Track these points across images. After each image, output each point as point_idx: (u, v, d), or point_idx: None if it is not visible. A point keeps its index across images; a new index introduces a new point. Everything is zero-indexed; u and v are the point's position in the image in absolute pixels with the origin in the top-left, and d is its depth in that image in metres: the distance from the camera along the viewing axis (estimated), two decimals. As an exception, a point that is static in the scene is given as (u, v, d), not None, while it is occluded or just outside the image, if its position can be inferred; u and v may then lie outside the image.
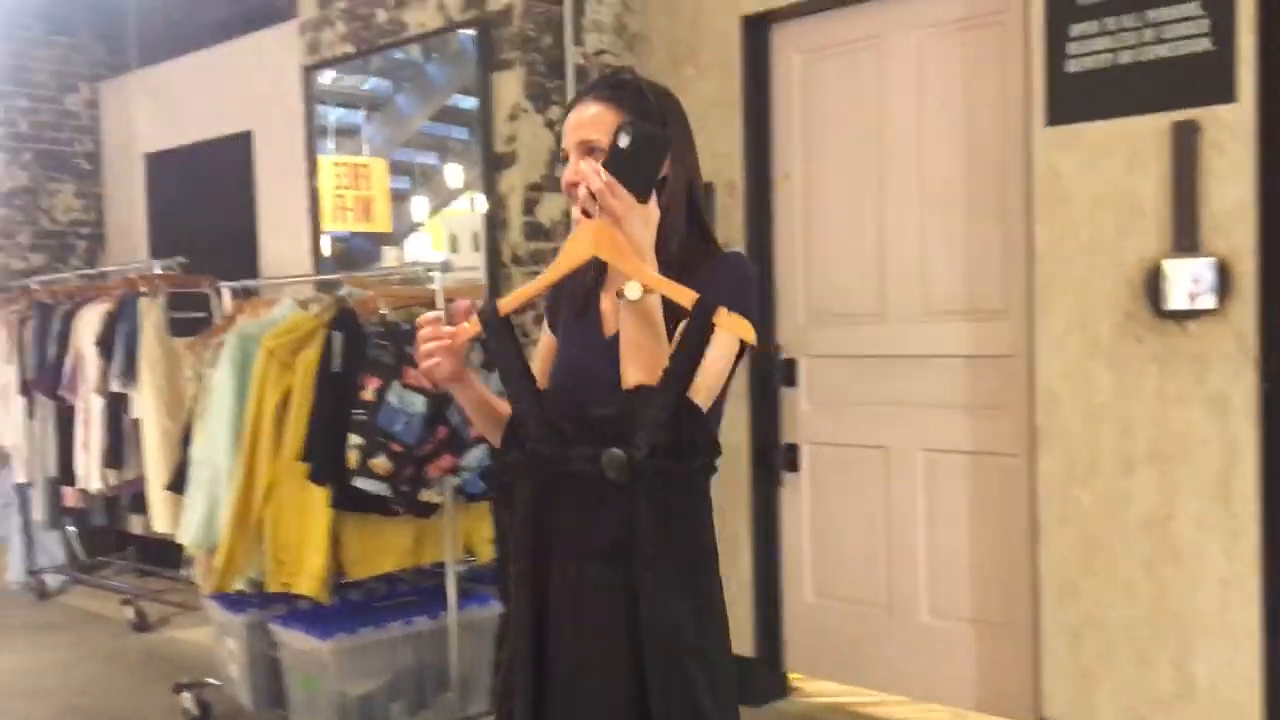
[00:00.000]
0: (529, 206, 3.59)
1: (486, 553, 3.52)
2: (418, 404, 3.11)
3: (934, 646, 3.37)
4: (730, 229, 3.63)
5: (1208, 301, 2.71)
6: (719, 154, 3.64)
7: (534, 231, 3.59)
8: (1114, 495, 2.89)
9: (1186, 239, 2.75)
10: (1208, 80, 2.71)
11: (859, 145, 3.49)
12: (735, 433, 3.65)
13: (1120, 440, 2.88)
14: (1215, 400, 2.73)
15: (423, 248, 4.49)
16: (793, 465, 3.66)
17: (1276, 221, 2.68)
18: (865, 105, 3.46)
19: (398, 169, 4.59)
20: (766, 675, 3.68)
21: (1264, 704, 2.69)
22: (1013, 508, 3.18)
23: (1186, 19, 2.74)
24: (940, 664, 3.35)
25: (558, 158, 3.60)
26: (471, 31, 3.72)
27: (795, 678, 3.75)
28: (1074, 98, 2.91)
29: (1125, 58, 2.83)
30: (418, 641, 3.38)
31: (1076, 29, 2.89)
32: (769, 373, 3.65)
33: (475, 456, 3.22)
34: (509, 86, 3.55)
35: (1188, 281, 2.73)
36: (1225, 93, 2.69)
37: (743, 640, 3.66)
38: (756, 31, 3.62)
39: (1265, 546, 2.69)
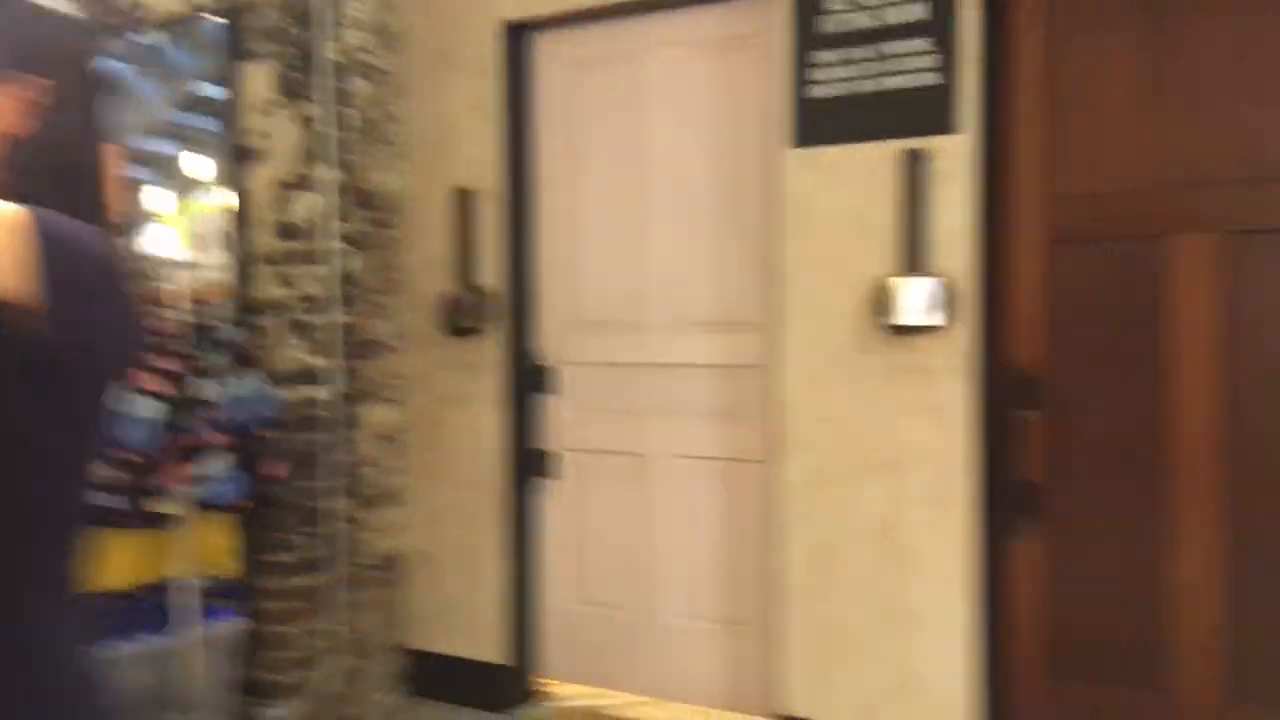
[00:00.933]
0: (281, 204, 3.45)
1: (227, 567, 3.36)
2: (148, 410, 2.94)
3: (684, 648, 3.46)
4: (490, 235, 3.61)
5: (933, 319, 2.91)
6: (474, 158, 3.62)
7: (287, 231, 3.46)
8: (847, 501, 3.05)
9: (915, 260, 2.93)
10: (935, 112, 2.91)
11: (620, 157, 3.54)
12: (492, 439, 3.63)
13: (854, 448, 3.04)
14: (937, 411, 2.93)
15: (167, 242, 4.24)
16: (553, 472, 3.67)
17: (992, 246, 2.90)
18: (626, 118, 3.52)
19: (139, 158, 4.31)
20: (518, 682, 3.67)
21: (978, 694, 2.91)
22: (760, 513, 3.31)
23: (918, 53, 2.92)
24: (689, 665, 3.44)
25: (311, 154, 3.49)
26: (220, 19, 3.54)
27: (548, 684, 3.77)
28: (817, 121, 3.06)
29: (864, 86, 2.99)
30: (150, 660, 3.19)
31: (820, 56, 3.04)
32: (529, 380, 3.66)
33: (216, 466, 3.07)
34: (259, 79, 3.40)
35: (915, 299, 2.91)
36: (950, 124, 2.89)
37: (493, 648, 3.64)
38: (517, 39, 3.62)
39: (978, 546, 2.90)
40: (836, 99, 3.03)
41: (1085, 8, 2.83)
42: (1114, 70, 2.84)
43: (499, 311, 3.62)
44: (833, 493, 3.07)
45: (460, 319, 3.64)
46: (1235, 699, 2.73)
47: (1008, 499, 2.93)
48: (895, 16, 2.94)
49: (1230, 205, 2.81)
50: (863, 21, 2.98)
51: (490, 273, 3.63)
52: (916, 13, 2.91)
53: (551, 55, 3.63)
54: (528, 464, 3.67)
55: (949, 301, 2.89)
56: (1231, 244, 2.70)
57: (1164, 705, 2.81)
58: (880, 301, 2.98)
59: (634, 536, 3.55)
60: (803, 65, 3.07)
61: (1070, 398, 2.91)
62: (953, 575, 2.92)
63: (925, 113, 2.92)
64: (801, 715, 3.12)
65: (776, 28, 3.13)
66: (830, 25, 3.03)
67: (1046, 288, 2.91)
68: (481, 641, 3.67)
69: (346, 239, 3.61)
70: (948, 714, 2.92)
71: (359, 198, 3.66)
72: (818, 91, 3.05)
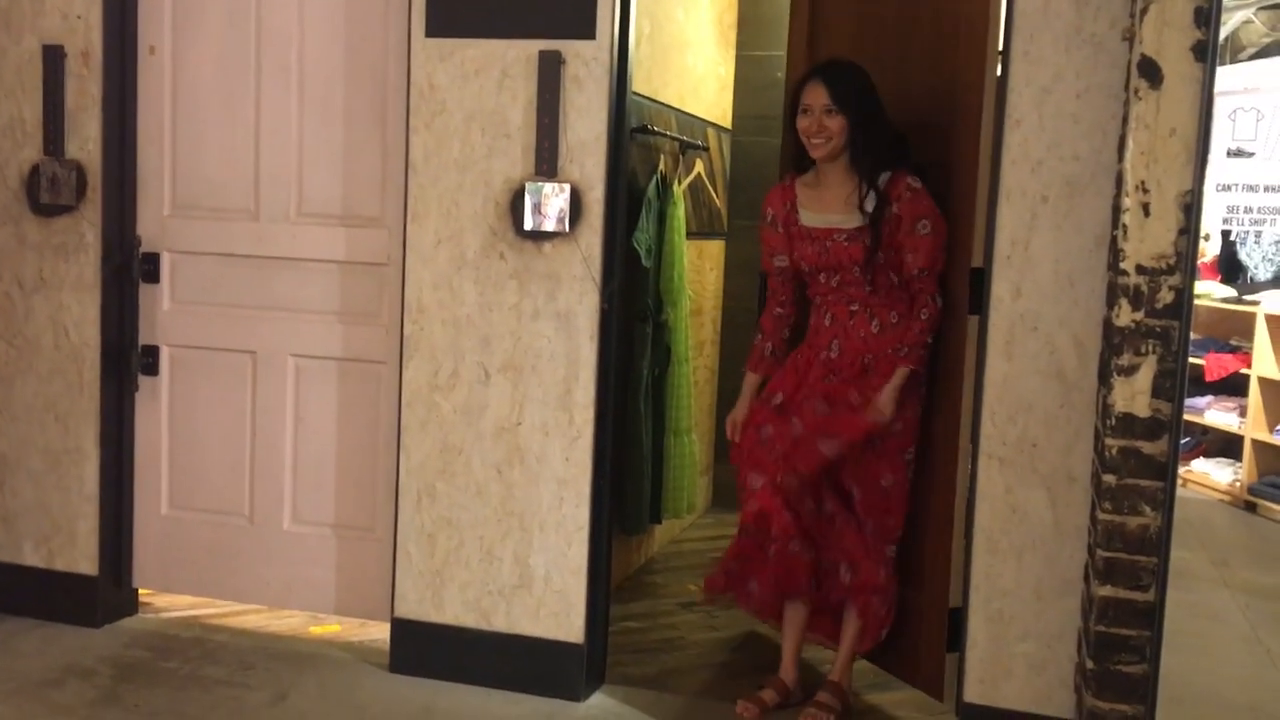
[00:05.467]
0: None
1: None
2: None
3: (294, 553, 3.33)
4: (85, 104, 3.22)
5: (562, 225, 2.91)
6: (70, 15, 3.20)
7: None
8: (472, 403, 3.03)
9: (546, 164, 2.92)
10: (572, 15, 2.87)
11: (237, 31, 3.25)
12: (82, 331, 3.29)
13: (481, 351, 3.02)
14: (563, 316, 2.96)
15: None
16: (151, 369, 3.38)
17: (619, 156, 2.94)
18: (243, -16, 3.23)
19: None
20: (112, 592, 3.39)
21: (587, 589, 3.01)
22: (380, 415, 3.22)
23: (555, -50, 2.87)
24: (300, 570, 3.32)
25: None
26: None
27: (145, 594, 3.52)
28: (453, 12, 2.95)
29: (501, -20, 2.91)
30: None
31: (458, -57, 2.92)
32: (126, 266, 3.32)
33: None
34: None
35: (545, 204, 2.90)
36: (587, 29, 2.87)
37: (85, 557, 3.34)
38: (121, -119, 3.21)
39: (595, 449, 2.98)
40: (473, -10, 2.92)
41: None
42: None
43: (93, 188, 3.25)
44: (456, 396, 3.03)
45: (47, 194, 3.24)
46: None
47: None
48: (536, -90, 2.86)
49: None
50: (503, -89, 2.88)
51: (83, 144, 3.24)
52: (557, -91, 2.85)
53: (161, -96, 3.25)
54: (124, 359, 3.35)
55: (577, 209, 2.90)
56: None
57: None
58: (512, 205, 2.95)
59: (243, 438, 3.35)
60: (439, -50, 2.93)
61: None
62: (572, 476, 2.97)
63: (563, 15, 2.87)
64: (413, 618, 3.10)
65: (413, -93, 2.96)
66: (470, -90, 2.90)
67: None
68: (71, 551, 3.35)
69: (-101, 92, 3.09)
70: (562, 607, 3.01)
71: (-84, 44, 3.14)
72: (453, -20, 2.93)
